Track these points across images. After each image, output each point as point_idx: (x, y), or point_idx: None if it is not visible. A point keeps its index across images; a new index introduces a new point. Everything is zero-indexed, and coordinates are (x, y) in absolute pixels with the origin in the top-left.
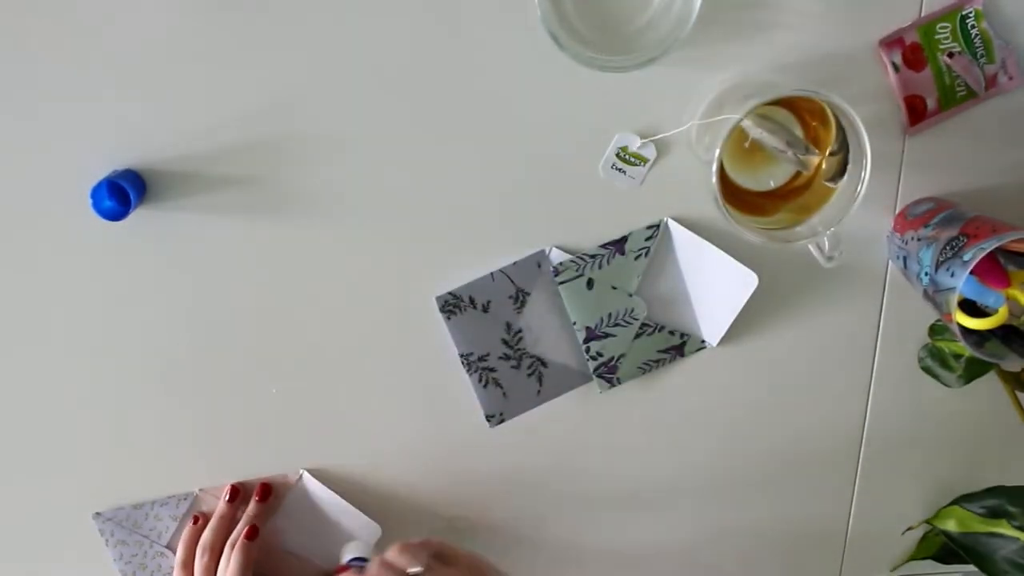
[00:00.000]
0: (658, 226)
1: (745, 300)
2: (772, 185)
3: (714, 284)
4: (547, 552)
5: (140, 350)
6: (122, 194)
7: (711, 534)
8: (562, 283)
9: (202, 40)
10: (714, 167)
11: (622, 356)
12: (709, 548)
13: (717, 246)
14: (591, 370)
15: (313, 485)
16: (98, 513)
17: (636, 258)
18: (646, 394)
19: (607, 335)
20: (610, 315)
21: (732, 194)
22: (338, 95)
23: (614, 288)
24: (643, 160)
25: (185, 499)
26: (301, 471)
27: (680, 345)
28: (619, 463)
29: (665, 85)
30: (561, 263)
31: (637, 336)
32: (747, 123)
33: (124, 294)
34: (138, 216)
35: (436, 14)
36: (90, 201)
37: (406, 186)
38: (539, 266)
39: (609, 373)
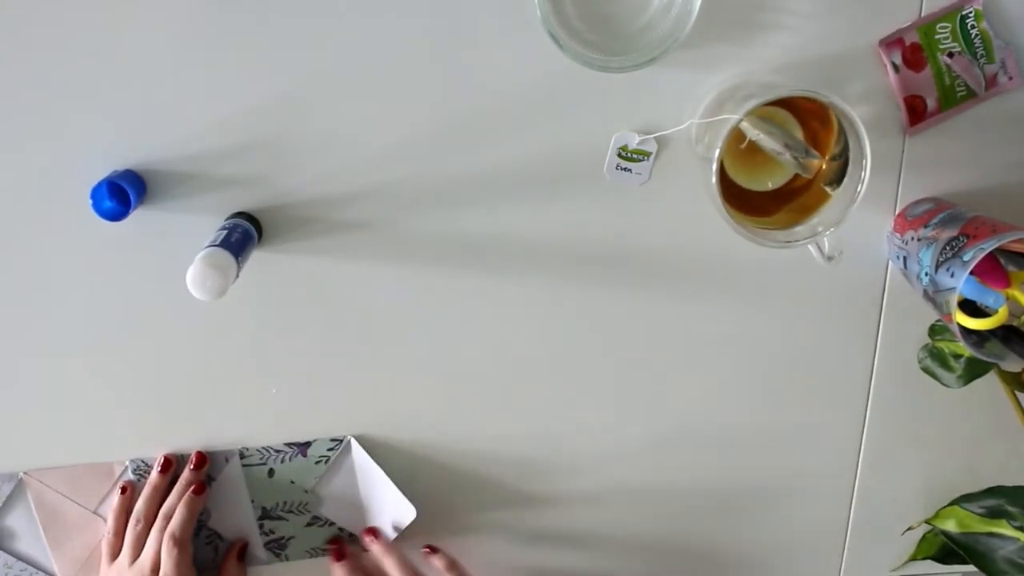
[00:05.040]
0: (341, 440)
1: (402, 527)
2: (772, 186)
3: (379, 503)
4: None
5: (139, 350)
6: (122, 194)
7: (709, 540)
8: (246, 466)
9: (202, 40)
10: (713, 167)
11: (292, 538)
12: (710, 552)
13: (388, 475)
14: (262, 543)
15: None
16: None
17: (316, 463)
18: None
19: (280, 518)
20: (286, 502)
21: (732, 194)
22: (338, 95)
23: (292, 482)
24: (645, 154)
25: (9, 481)
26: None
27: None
28: None
29: (665, 85)
30: (246, 448)
31: (308, 525)
32: (745, 124)
33: (124, 294)
34: (138, 216)
35: (436, 15)
36: (90, 201)
37: (405, 187)
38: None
39: (279, 549)
